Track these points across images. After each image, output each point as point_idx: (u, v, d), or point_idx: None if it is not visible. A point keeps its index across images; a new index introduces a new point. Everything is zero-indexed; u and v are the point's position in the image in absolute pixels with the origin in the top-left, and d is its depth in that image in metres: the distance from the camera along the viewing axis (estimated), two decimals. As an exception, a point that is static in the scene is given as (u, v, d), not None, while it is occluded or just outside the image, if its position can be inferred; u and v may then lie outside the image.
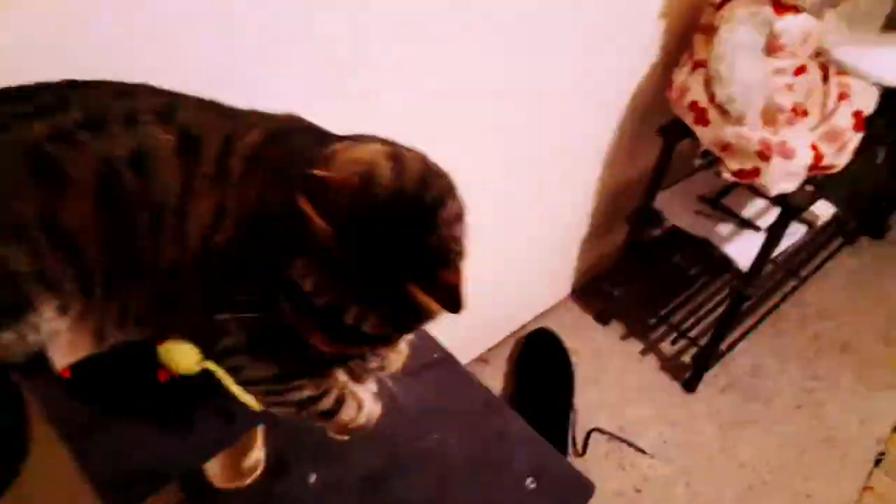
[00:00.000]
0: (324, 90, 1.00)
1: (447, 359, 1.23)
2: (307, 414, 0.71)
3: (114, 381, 0.69)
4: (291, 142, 0.68)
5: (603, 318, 2.14)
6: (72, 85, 0.66)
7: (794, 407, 1.99)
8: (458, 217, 0.64)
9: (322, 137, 0.68)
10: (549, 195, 1.75)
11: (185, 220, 0.64)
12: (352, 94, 1.07)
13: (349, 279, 0.58)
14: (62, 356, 0.66)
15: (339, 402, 0.72)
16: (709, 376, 2.02)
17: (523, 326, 2.07)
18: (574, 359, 1.97)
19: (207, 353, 0.67)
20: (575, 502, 1.09)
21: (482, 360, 1.99)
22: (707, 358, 1.95)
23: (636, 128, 1.80)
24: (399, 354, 0.79)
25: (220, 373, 0.66)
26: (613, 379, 1.99)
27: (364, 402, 0.75)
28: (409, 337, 0.79)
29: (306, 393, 0.69)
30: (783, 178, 1.49)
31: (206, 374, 0.67)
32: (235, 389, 0.66)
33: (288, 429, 1.13)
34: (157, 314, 0.67)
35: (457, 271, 0.61)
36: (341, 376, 0.72)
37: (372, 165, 0.61)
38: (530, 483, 1.09)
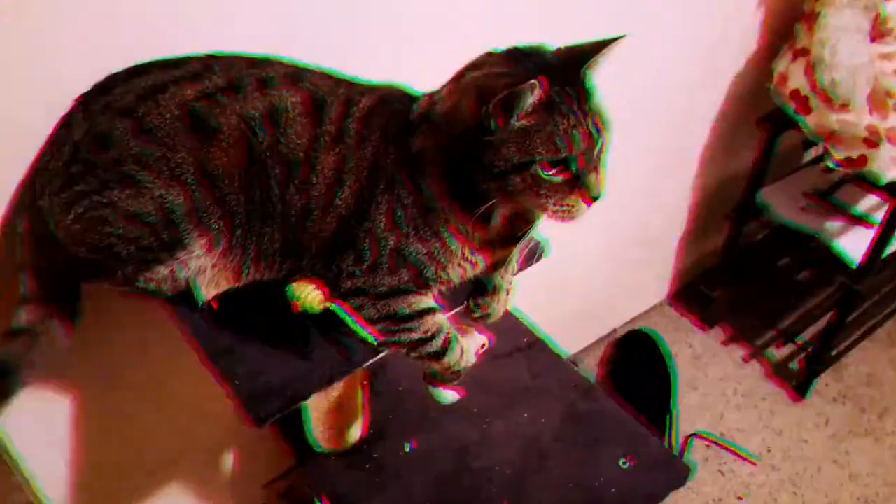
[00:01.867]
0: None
1: (538, 343, 1.31)
2: (417, 354, 0.82)
3: (253, 310, 0.82)
4: (393, 106, 0.80)
5: (703, 323, 2.16)
6: (212, 56, 0.80)
7: (913, 420, 1.94)
8: None
9: (412, 98, 0.80)
10: (645, 195, 1.81)
11: (312, 171, 0.76)
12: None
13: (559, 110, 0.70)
14: (206, 290, 0.80)
15: (446, 345, 0.82)
16: (819, 384, 2.00)
17: (615, 330, 2.11)
18: (672, 361, 2.00)
19: (332, 293, 0.79)
20: (669, 484, 1.13)
21: (571, 362, 2.04)
22: (817, 364, 1.93)
23: (735, 121, 1.84)
24: (502, 304, 0.88)
25: (342, 312, 0.78)
26: (714, 384, 2.01)
27: (466, 349, 0.84)
28: (510, 285, 0.88)
29: (416, 335, 0.80)
30: (894, 164, 1.49)
31: (328, 312, 0.79)
32: (356, 327, 0.78)
33: (388, 399, 1.24)
34: (289, 255, 0.80)
35: None
36: (446, 322, 0.82)
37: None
38: (623, 463, 1.14)
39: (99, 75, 0.80)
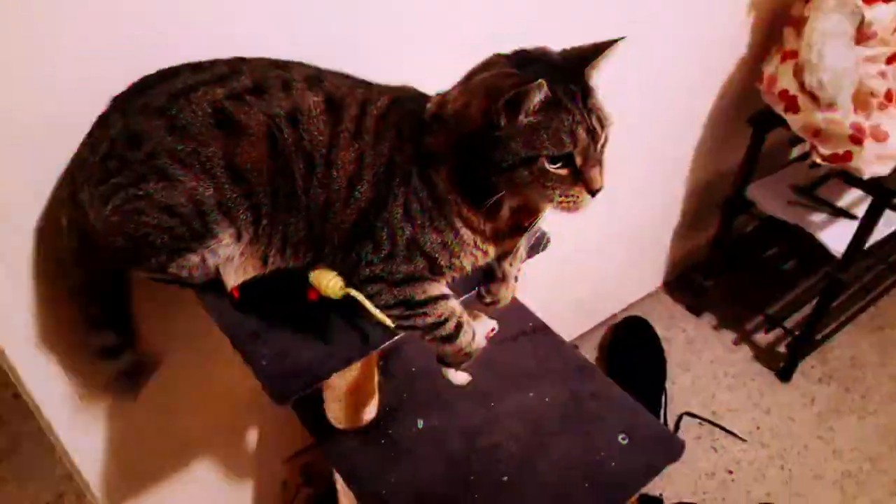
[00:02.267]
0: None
1: (542, 328, 1.31)
2: (430, 337, 0.82)
3: (273, 299, 0.82)
4: (407, 105, 0.80)
5: (695, 309, 2.15)
6: (240, 60, 0.80)
7: (893, 400, 1.93)
8: None
9: (425, 98, 0.81)
10: (641, 187, 1.80)
11: (332, 167, 0.76)
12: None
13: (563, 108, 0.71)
14: (233, 277, 0.80)
15: (458, 328, 0.82)
16: (805, 366, 2.00)
17: (613, 316, 2.11)
18: (665, 346, 2.00)
19: (351, 280, 0.79)
20: (665, 458, 1.13)
21: (572, 345, 2.04)
22: (803, 347, 1.93)
23: (726, 120, 1.83)
24: (510, 290, 0.88)
25: (360, 298, 0.78)
26: (706, 367, 2.00)
27: (476, 332, 0.84)
28: (518, 272, 0.88)
29: (430, 319, 0.80)
30: (876, 160, 1.49)
31: (347, 298, 0.79)
32: (374, 311, 0.78)
33: (401, 380, 1.24)
34: (311, 244, 0.80)
35: None
36: (458, 307, 0.82)
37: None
38: (622, 439, 1.14)
39: (130, 77, 0.81)
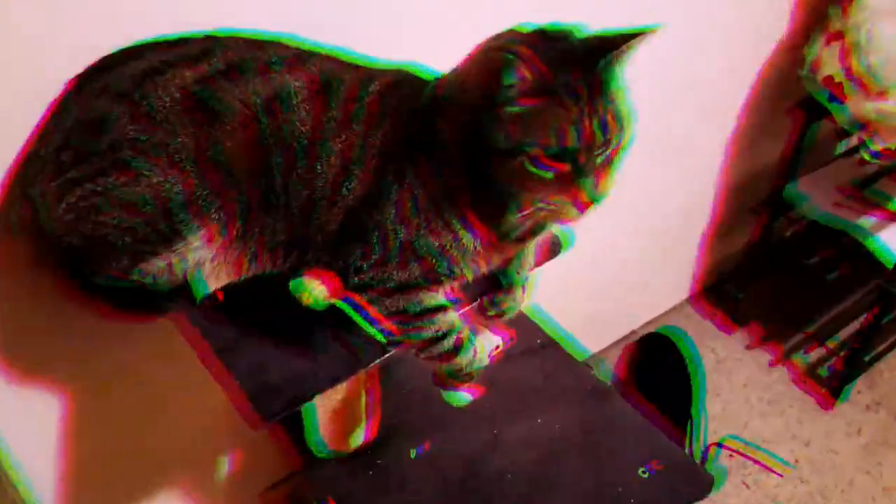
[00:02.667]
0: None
1: (551, 345, 1.31)
2: (428, 353, 0.82)
3: (255, 306, 0.83)
4: (405, 89, 0.80)
5: (726, 325, 2.16)
6: (212, 37, 0.80)
7: (951, 430, 1.94)
8: None
9: (424, 82, 0.81)
10: (666, 187, 1.81)
11: (318, 160, 0.77)
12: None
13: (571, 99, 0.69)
14: (207, 283, 0.80)
15: (459, 345, 0.83)
16: (850, 391, 2.00)
17: (633, 332, 2.11)
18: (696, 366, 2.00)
19: (346, 285, 0.79)
20: (692, 495, 1.14)
21: (586, 365, 2.04)
22: (849, 370, 1.93)
23: (763, 112, 1.84)
24: (517, 301, 0.89)
25: (349, 309, 0.79)
26: (738, 391, 2.01)
27: (479, 351, 0.85)
28: (526, 282, 0.88)
29: (427, 333, 0.81)
30: (934, 157, 1.50)
31: (333, 308, 0.80)
32: (364, 324, 0.78)
33: (393, 402, 1.25)
34: (294, 247, 0.81)
35: None
36: (459, 321, 0.83)
37: None
38: (643, 472, 1.14)
39: (92, 55, 0.81)
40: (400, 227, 0.77)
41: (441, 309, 0.81)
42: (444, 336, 0.81)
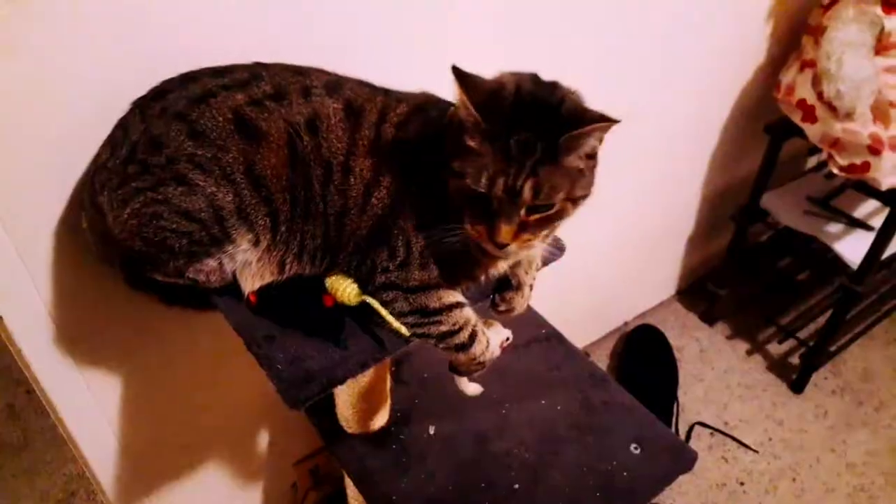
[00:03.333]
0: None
1: (554, 335, 1.31)
2: (444, 345, 0.82)
3: (289, 304, 0.82)
4: (429, 112, 0.80)
5: (708, 318, 2.14)
6: (259, 65, 0.80)
7: (909, 413, 1.92)
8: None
9: (446, 106, 0.80)
10: (654, 193, 1.80)
11: (350, 174, 0.77)
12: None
13: (503, 153, 0.68)
14: (250, 282, 0.80)
15: (472, 337, 0.82)
16: (817, 378, 1.98)
17: (626, 324, 2.10)
18: (677, 355, 1.99)
19: (366, 287, 0.79)
20: (677, 469, 1.13)
21: (584, 353, 2.04)
22: (816, 359, 1.91)
23: (743, 127, 1.82)
24: (525, 299, 0.88)
25: (376, 305, 0.78)
26: (718, 377, 1.99)
27: (490, 341, 0.85)
28: (533, 281, 0.88)
29: (444, 327, 0.80)
30: (894, 171, 1.48)
31: (362, 305, 0.79)
32: (389, 319, 0.78)
33: (413, 386, 1.25)
34: (327, 251, 0.81)
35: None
36: (473, 316, 0.82)
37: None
38: (635, 448, 1.14)
39: (149, 81, 0.82)
40: (421, 233, 0.77)
41: (457, 306, 0.80)
42: (460, 330, 0.80)
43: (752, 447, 1.82)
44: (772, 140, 1.72)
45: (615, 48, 1.37)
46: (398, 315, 0.78)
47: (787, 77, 1.61)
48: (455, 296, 0.80)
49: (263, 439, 1.40)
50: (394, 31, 1.04)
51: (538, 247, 0.77)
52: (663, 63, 1.49)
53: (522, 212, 0.70)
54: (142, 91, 0.81)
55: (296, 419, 1.36)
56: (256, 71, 0.80)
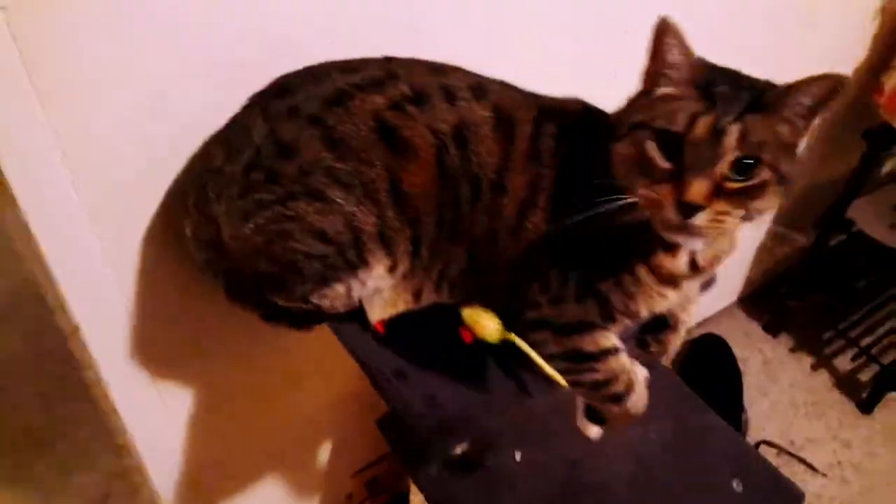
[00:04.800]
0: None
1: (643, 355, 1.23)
2: (596, 395, 0.74)
3: (422, 335, 0.74)
4: (588, 122, 0.71)
5: (772, 328, 2.08)
6: (390, 60, 0.71)
7: None
8: None
9: (603, 114, 0.72)
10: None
11: (502, 192, 0.68)
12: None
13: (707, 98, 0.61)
14: (380, 311, 0.72)
15: (630, 388, 0.75)
16: (890, 398, 1.92)
17: (688, 332, 2.03)
18: (741, 367, 1.92)
19: (513, 324, 0.71)
20: (784, 508, 1.06)
21: (672, 371, 1.96)
22: (890, 378, 1.85)
23: (832, 131, 1.74)
24: (679, 339, 0.81)
25: (525, 347, 0.70)
26: (783, 392, 1.93)
27: (640, 388, 0.77)
28: (690, 320, 0.81)
29: (599, 376, 0.72)
30: None
31: (505, 344, 0.71)
32: (542, 363, 0.69)
33: (497, 409, 1.18)
34: (468, 279, 0.72)
35: None
36: (629, 362, 0.75)
37: None
38: (737, 485, 1.07)
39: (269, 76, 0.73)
40: (579, 262, 0.69)
41: (614, 351, 0.72)
42: (615, 378, 0.73)
43: (821, 470, 1.77)
44: (870, 147, 1.63)
45: (718, 38, 1.28)
46: (548, 359, 0.70)
47: (891, 80, 1.52)
48: (612, 339, 0.72)
49: (325, 451, 1.34)
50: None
51: (730, 232, 0.67)
52: (752, 57, 1.40)
53: (724, 165, 0.59)
54: (252, 87, 0.72)
55: (358, 431, 1.30)
56: (390, 67, 0.71)
